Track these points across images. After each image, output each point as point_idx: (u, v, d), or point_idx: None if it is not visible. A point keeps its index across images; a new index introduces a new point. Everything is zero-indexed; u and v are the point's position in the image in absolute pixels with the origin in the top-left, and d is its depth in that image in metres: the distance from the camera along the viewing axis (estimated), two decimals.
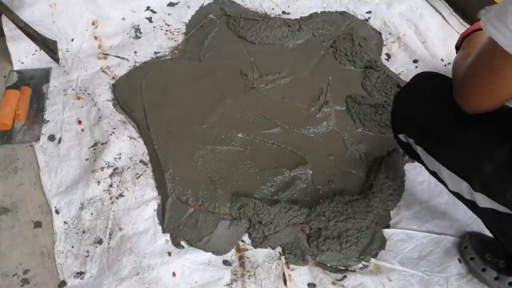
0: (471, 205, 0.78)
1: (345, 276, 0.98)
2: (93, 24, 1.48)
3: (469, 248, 1.01)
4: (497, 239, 0.86)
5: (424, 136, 0.83)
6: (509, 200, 0.68)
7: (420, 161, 0.87)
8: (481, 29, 0.86)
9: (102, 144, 1.16)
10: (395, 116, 0.94)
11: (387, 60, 1.54)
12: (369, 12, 1.67)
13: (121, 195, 1.06)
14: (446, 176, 0.79)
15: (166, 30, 1.54)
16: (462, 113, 0.73)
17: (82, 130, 1.21)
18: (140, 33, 1.51)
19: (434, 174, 0.85)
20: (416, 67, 1.51)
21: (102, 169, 1.10)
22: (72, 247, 0.98)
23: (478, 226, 1.07)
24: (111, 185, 1.08)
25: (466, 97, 0.72)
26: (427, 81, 0.88)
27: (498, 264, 0.97)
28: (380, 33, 1.61)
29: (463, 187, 0.76)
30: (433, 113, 0.81)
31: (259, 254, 1.00)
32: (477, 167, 0.71)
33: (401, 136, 0.91)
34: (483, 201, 0.73)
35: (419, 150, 0.84)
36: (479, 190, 0.72)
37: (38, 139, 1.17)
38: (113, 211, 1.03)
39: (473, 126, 0.73)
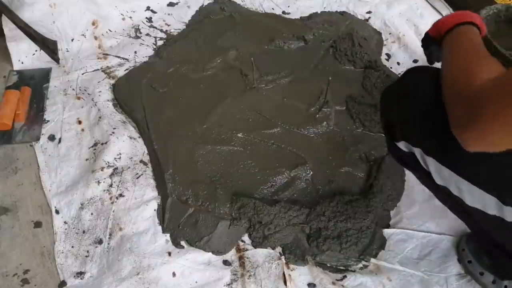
0: (495, 220, 0.66)
1: (345, 276, 0.97)
2: (93, 24, 1.48)
3: (467, 251, 0.99)
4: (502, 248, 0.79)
5: (438, 143, 0.67)
6: None
7: (421, 174, 0.76)
8: (467, 23, 0.74)
9: (102, 144, 1.16)
10: (390, 118, 0.79)
11: (387, 60, 1.54)
12: (369, 12, 1.67)
13: (121, 195, 1.06)
14: (466, 191, 0.66)
15: (166, 30, 1.54)
16: None
17: (82, 130, 1.21)
18: (140, 33, 1.51)
19: (441, 189, 0.72)
20: None
21: (102, 169, 1.10)
22: (72, 247, 0.98)
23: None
24: (111, 185, 1.08)
25: (481, 131, 0.54)
26: (427, 73, 0.74)
27: (494, 267, 0.95)
28: (380, 33, 1.61)
29: (488, 202, 0.65)
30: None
31: (259, 254, 1.00)
32: None
33: (401, 145, 0.77)
34: None
35: (429, 161, 0.70)
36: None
37: (38, 139, 1.17)
38: (113, 211, 1.03)
39: None
